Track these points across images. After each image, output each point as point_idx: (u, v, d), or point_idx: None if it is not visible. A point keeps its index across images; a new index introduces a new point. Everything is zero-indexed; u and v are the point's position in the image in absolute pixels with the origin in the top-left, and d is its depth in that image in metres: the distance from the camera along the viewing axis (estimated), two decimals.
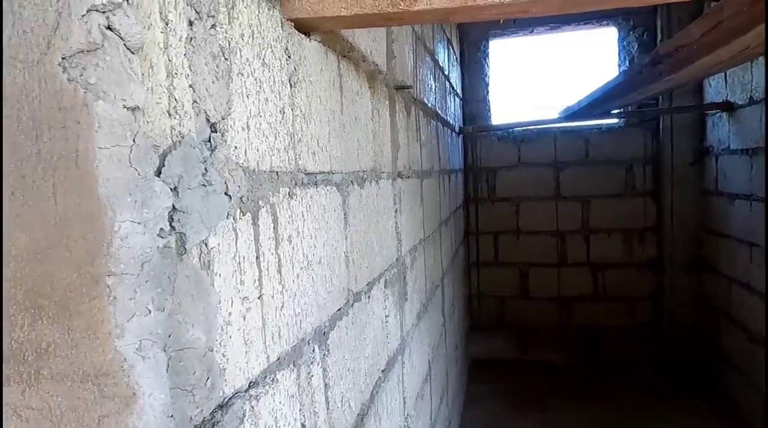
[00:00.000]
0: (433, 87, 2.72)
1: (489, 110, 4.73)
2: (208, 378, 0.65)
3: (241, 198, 0.74)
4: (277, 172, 0.87)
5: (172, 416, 0.57)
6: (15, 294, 0.54)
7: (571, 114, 3.83)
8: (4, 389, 0.55)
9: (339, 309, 1.15)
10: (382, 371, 1.52)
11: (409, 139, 1.99)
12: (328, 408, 1.06)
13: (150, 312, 0.56)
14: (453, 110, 3.84)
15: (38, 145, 0.52)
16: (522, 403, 3.88)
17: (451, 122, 3.61)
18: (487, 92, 4.73)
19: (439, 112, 2.97)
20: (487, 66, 4.70)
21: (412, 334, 1.93)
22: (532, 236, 4.62)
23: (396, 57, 1.80)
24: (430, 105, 2.57)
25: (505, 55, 4.84)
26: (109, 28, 0.52)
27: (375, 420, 1.40)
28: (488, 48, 4.68)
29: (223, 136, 0.72)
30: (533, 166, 4.56)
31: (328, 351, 1.07)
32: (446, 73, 3.39)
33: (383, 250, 1.54)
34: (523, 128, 4.50)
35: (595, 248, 4.53)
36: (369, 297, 1.39)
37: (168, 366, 0.58)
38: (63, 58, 0.51)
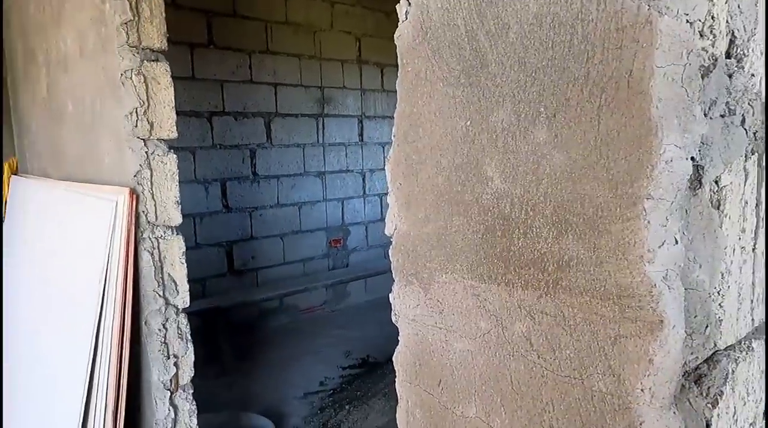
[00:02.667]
0: None
1: None
2: (706, 327, 0.60)
3: (755, 133, 0.65)
4: None
5: (691, 352, 0.55)
6: (543, 209, 0.60)
7: None
8: (522, 292, 0.62)
9: None
10: None
11: None
12: None
13: (677, 242, 0.53)
14: None
15: (587, 67, 0.55)
16: None
17: None
18: None
19: None
20: None
21: None
22: None
23: None
24: None
25: None
26: None
27: None
28: None
29: (740, 61, 0.63)
30: None
31: None
32: None
33: None
34: None
35: None
36: None
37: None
38: None
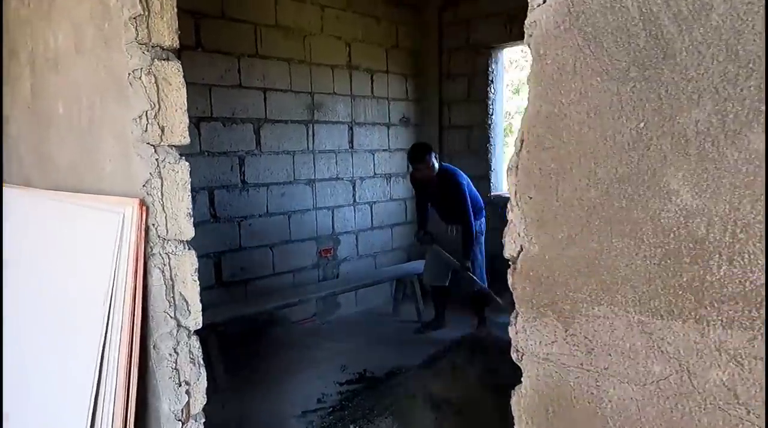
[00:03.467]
0: None
1: None
2: None
3: None
4: None
5: None
6: (760, 230, 0.49)
7: None
8: (723, 332, 0.51)
9: None
10: None
11: None
12: None
13: None
14: None
15: None
16: None
17: None
18: None
19: None
20: None
21: None
22: None
23: None
24: None
25: None
26: None
27: None
28: None
29: None
30: None
31: None
32: None
33: None
34: None
35: None
36: None
37: None
38: None
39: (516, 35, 4.91)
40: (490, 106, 5.12)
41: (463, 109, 5.29)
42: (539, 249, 0.63)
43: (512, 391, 0.70)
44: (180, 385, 1.62)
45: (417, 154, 4.04)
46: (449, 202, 4.11)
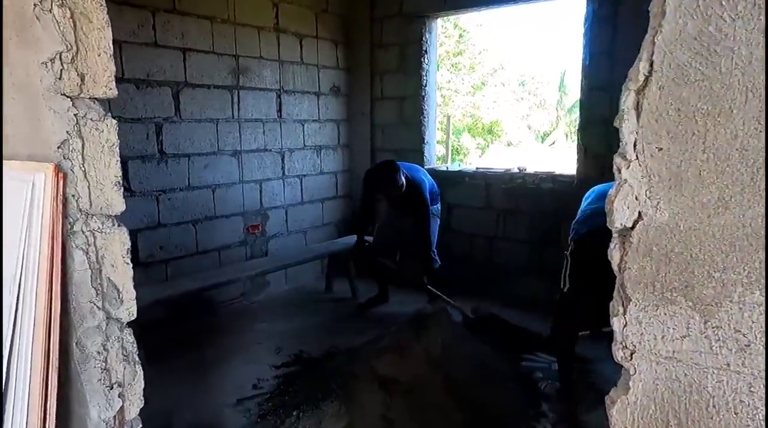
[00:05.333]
0: None
1: None
2: None
3: None
4: None
5: None
6: None
7: None
8: None
9: None
10: None
11: None
12: None
13: None
14: None
15: None
16: None
17: None
18: None
19: None
20: None
21: None
22: None
23: None
24: None
25: None
26: None
27: None
28: None
29: None
30: None
31: None
32: None
33: None
34: None
35: None
36: None
37: None
38: None
39: (451, 5, 4.79)
40: (424, 77, 4.98)
41: (395, 80, 5.12)
42: (670, 217, 0.48)
43: (606, 397, 0.55)
44: (111, 388, 1.35)
45: (388, 182, 3.94)
46: (411, 213, 4.02)
